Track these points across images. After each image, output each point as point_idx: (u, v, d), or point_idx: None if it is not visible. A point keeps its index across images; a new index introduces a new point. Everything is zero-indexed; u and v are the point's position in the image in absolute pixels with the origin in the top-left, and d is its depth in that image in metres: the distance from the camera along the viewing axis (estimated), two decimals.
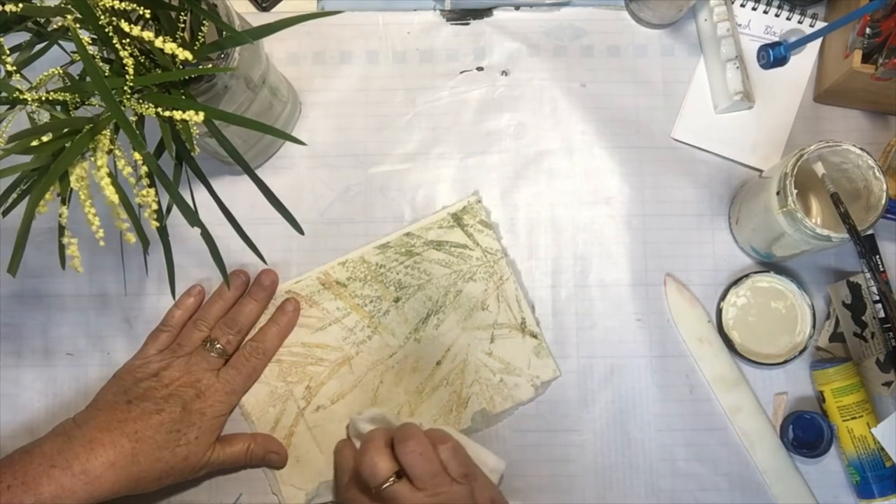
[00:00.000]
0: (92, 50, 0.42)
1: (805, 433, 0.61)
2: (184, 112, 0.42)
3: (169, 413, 0.56)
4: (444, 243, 0.64)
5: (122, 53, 0.42)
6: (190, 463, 0.57)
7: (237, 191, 0.62)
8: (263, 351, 0.61)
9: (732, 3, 0.66)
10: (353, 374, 0.62)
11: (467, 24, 0.68)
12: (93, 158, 0.42)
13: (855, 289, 0.62)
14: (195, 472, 0.58)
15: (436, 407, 0.62)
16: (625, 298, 0.64)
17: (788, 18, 0.66)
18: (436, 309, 0.63)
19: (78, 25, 0.41)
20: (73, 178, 0.41)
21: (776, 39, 0.66)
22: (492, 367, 0.62)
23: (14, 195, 0.42)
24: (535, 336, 0.63)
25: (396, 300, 0.63)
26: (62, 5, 0.41)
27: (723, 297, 0.63)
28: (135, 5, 0.41)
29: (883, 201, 0.53)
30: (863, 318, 0.61)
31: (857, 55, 0.59)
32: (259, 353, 0.61)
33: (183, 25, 0.45)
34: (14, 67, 0.42)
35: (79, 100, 0.43)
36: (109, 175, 0.41)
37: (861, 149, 0.54)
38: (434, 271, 0.63)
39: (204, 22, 0.45)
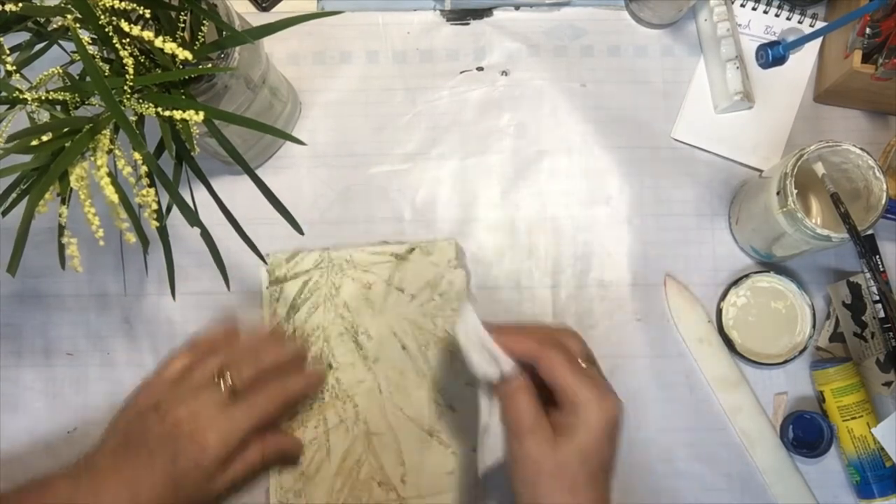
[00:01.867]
0: (92, 50, 0.42)
1: (805, 433, 0.61)
2: (184, 112, 0.42)
3: (161, 461, 0.51)
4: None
5: (122, 53, 0.42)
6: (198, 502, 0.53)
7: (237, 191, 0.61)
8: (285, 398, 0.56)
9: (732, 3, 0.66)
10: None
11: (467, 24, 0.68)
12: (93, 158, 0.42)
13: (855, 289, 0.62)
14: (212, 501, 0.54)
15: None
16: (625, 298, 0.64)
17: (788, 18, 0.66)
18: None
19: (78, 25, 0.41)
20: (72, 178, 0.41)
21: (775, 39, 0.66)
22: None
23: (14, 195, 0.42)
24: None
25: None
26: (62, 5, 0.41)
27: (723, 297, 0.63)
28: (135, 5, 0.41)
29: (883, 201, 0.53)
30: (863, 318, 0.61)
31: (857, 55, 0.59)
32: (279, 400, 0.55)
33: (183, 25, 0.45)
34: (14, 67, 0.42)
35: (79, 99, 0.43)
36: (109, 175, 0.41)
37: (861, 149, 0.54)
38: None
39: (204, 22, 0.45)
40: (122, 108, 0.41)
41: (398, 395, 0.61)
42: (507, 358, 0.50)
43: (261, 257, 0.50)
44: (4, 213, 0.42)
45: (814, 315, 0.62)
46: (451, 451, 0.60)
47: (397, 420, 0.61)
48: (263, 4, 0.67)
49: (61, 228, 0.43)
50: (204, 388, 0.53)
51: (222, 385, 0.54)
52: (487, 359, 0.50)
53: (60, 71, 0.44)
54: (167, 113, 0.42)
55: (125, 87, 0.43)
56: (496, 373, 0.50)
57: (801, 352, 0.62)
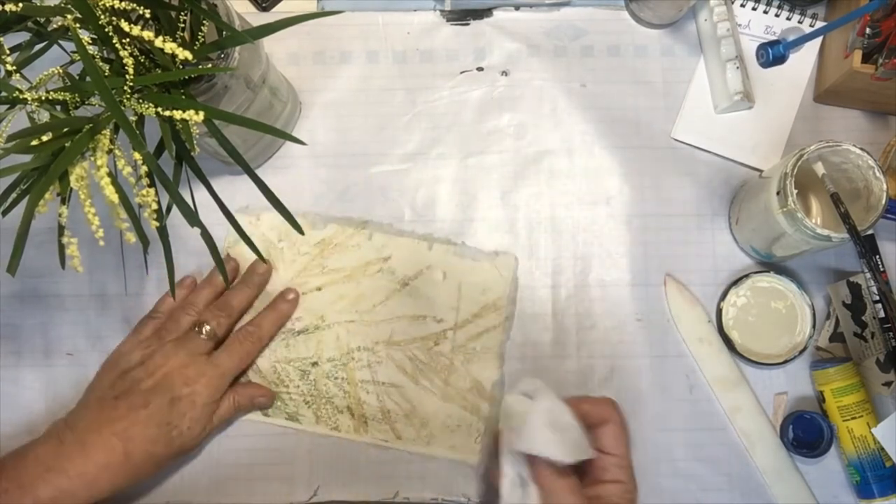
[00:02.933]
0: (92, 50, 0.42)
1: (805, 433, 0.61)
2: (184, 112, 0.42)
3: (157, 406, 0.55)
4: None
5: (122, 53, 0.42)
6: (185, 450, 0.57)
7: (237, 191, 0.62)
8: (259, 336, 0.60)
9: (732, 3, 0.67)
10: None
11: (467, 24, 0.68)
12: (93, 158, 0.42)
13: (855, 289, 0.62)
14: (192, 451, 0.59)
15: None
16: (625, 298, 0.64)
17: (788, 18, 0.66)
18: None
19: (78, 25, 0.41)
20: (72, 178, 0.41)
21: (776, 38, 0.66)
22: None
23: (14, 195, 0.42)
24: None
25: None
26: (62, 5, 0.41)
27: (723, 297, 0.63)
28: (135, 5, 0.41)
29: (883, 201, 0.53)
30: (863, 318, 0.61)
31: (857, 55, 0.59)
32: (254, 338, 0.60)
33: (183, 25, 0.45)
34: (14, 67, 0.42)
35: (79, 99, 0.43)
36: (109, 175, 0.41)
37: (861, 149, 0.54)
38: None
39: (204, 22, 0.45)
40: (122, 108, 0.41)
41: (362, 303, 0.63)
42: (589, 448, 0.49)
43: (261, 257, 0.50)
44: (4, 213, 0.42)
45: (814, 315, 0.62)
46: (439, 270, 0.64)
47: (380, 314, 0.63)
48: (263, 4, 0.67)
49: (61, 228, 0.43)
50: (187, 340, 0.58)
51: (204, 335, 0.58)
52: (560, 441, 0.48)
53: (60, 71, 0.44)
54: (167, 113, 0.42)
55: (125, 87, 0.43)
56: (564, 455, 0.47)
57: (801, 352, 0.62)
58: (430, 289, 0.63)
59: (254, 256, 0.50)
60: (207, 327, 0.58)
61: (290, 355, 0.63)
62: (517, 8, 0.68)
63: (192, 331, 0.59)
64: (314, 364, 0.62)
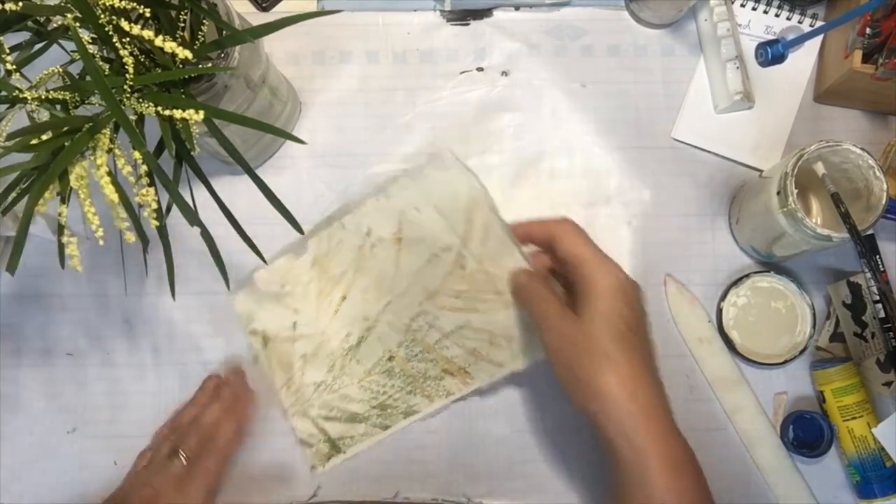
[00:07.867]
0: (92, 49, 0.42)
1: (805, 433, 0.61)
2: (184, 111, 0.42)
3: None
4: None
5: (122, 52, 0.42)
6: None
7: (237, 191, 0.62)
8: (216, 448, 0.58)
9: (732, 3, 0.67)
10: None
11: (467, 24, 0.68)
12: (92, 157, 0.42)
13: (855, 289, 0.62)
14: None
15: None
16: None
17: (788, 18, 0.66)
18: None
19: (78, 24, 0.41)
20: (72, 177, 0.41)
21: (775, 38, 0.66)
22: None
23: (14, 194, 0.42)
24: None
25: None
26: (62, 4, 0.41)
27: (723, 297, 0.63)
28: (135, 4, 0.42)
29: (883, 201, 0.53)
30: (863, 318, 0.61)
31: (857, 55, 0.59)
32: (211, 453, 0.58)
33: (183, 24, 0.45)
34: (14, 66, 0.42)
35: (78, 99, 0.43)
36: (109, 174, 0.41)
37: (861, 149, 0.54)
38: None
39: (204, 21, 0.45)
40: (122, 107, 0.41)
41: (384, 282, 0.63)
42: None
43: (261, 257, 0.50)
44: (4, 213, 0.42)
45: (814, 315, 0.62)
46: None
47: (404, 280, 0.62)
48: (263, 4, 0.67)
49: (61, 228, 0.43)
50: (161, 468, 0.57)
51: (180, 461, 0.56)
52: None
53: (60, 70, 0.44)
54: (167, 112, 0.42)
55: (125, 87, 0.43)
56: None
57: (801, 352, 0.62)
58: (419, 229, 0.62)
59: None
60: (182, 454, 0.57)
61: (367, 366, 0.62)
62: (517, 8, 0.68)
63: (168, 458, 0.57)
64: (391, 358, 0.62)
